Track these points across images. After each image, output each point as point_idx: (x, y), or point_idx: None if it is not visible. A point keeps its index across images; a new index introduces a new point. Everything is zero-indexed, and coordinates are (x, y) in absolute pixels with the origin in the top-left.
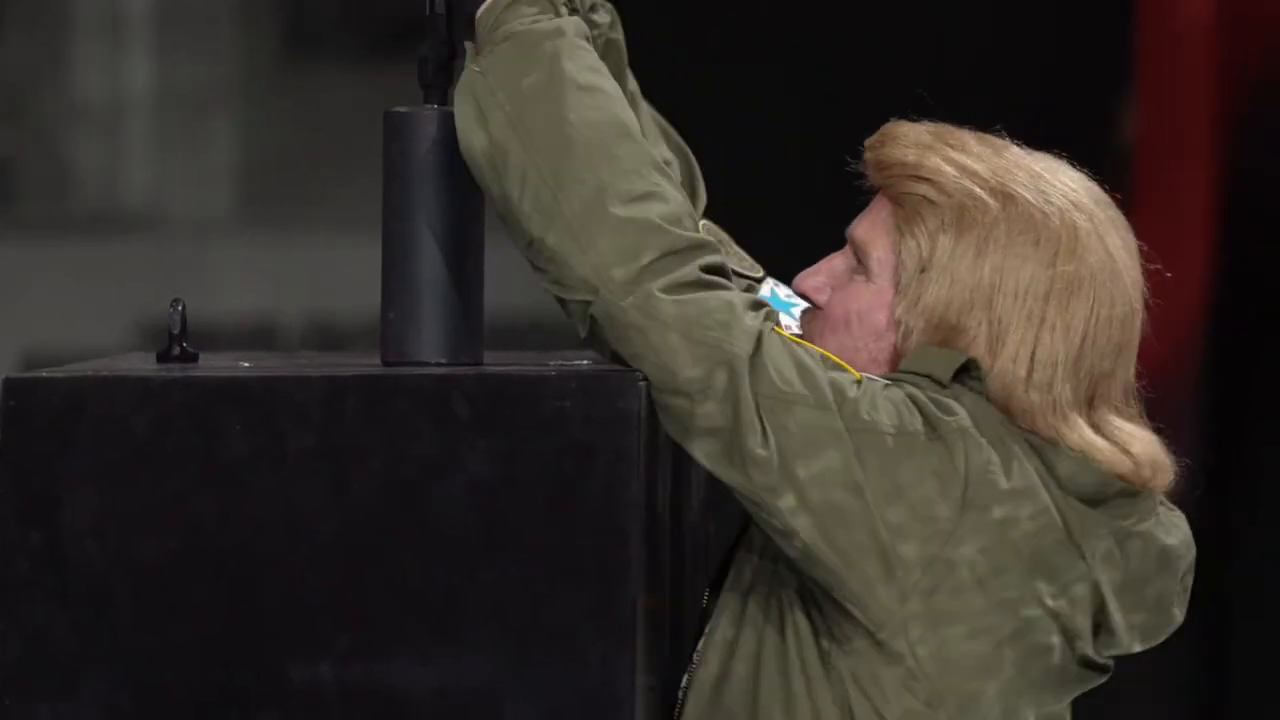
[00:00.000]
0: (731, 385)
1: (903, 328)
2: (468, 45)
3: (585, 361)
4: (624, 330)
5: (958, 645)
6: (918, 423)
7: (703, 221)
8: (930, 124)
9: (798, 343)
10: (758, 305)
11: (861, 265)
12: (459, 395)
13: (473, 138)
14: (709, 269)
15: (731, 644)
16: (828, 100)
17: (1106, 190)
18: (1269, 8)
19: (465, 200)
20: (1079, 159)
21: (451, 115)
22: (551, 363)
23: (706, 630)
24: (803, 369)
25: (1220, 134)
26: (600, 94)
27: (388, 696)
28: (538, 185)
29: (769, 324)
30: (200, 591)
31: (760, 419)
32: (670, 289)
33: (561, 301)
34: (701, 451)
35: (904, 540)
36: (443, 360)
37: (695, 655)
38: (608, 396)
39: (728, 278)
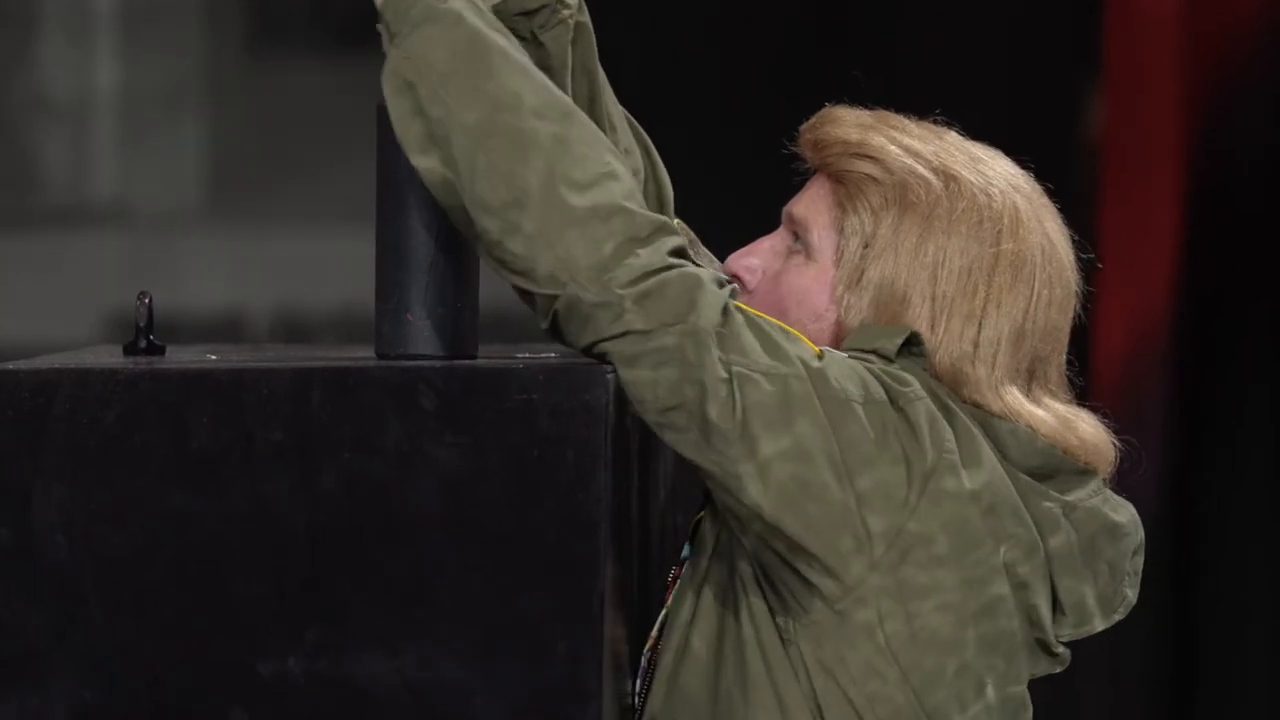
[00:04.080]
0: (696, 360)
1: (844, 304)
2: (380, 29)
3: (553, 354)
4: (587, 320)
5: (925, 619)
6: (880, 392)
7: (674, 221)
8: (867, 109)
9: (762, 316)
10: (721, 282)
11: (801, 242)
12: (425, 388)
13: (410, 127)
14: (673, 252)
15: (689, 625)
16: (793, 94)
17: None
18: None
19: None
20: (1047, 151)
21: None
22: (519, 355)
23: (668, 608)
24: (769, 340)
25: (1188, 125)
26: (530, 71)
27: (355, 690)
28: (490, 178)
29: (733, 300)
30: (168, 586)
31: (728, 390)
32: (637, 276)
33: (522, 293)
34: (667, 429)
35: (871, 512)
36: (438, 354)
37: (659, 634)
38: (574, 389)
39: (688, 257)
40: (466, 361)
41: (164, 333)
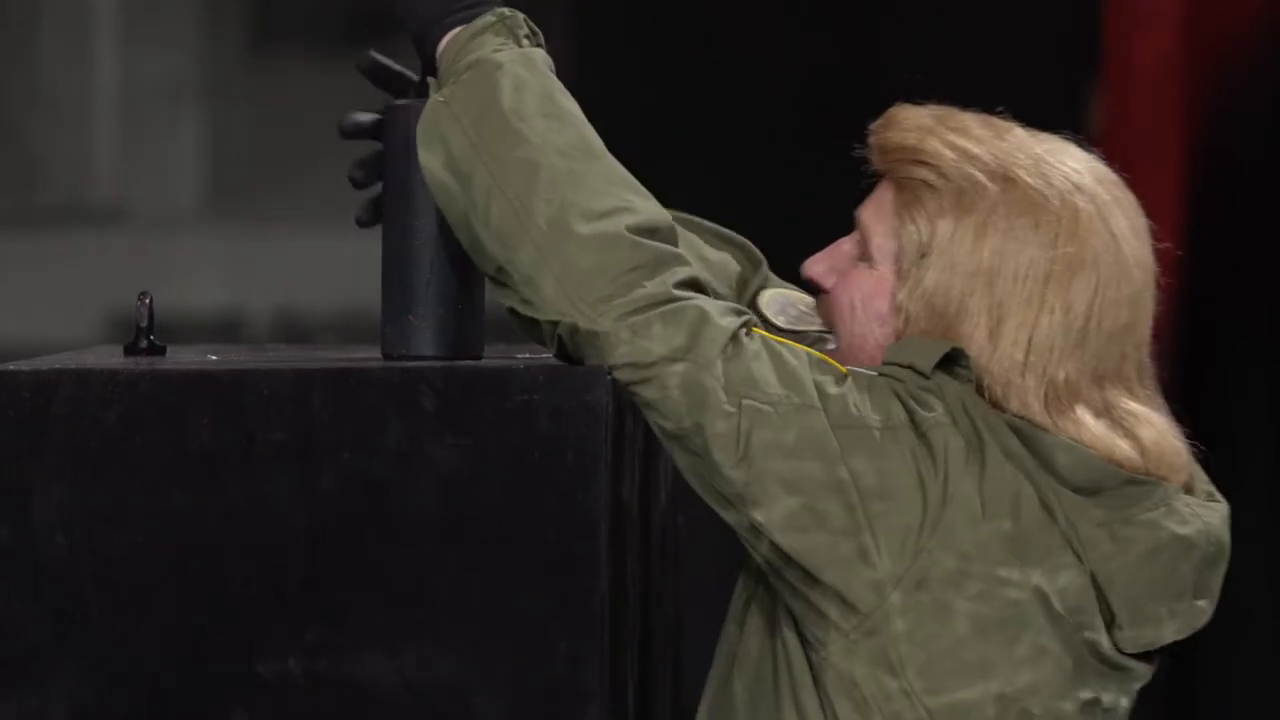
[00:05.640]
0: (696, 396)
1: (904, 313)
2: (430, 80)
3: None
4: (591, 348)
5: (941, 641)
6: (902, 415)
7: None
8: (933, 107)
9: (783, 343)
10: (736, 311)
11: (865, 250)
12: (426, 388)
13: (436, 164)
14: (681, 284)
15: (734, 651)
16: (792, 93)
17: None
18: None
19: None
20: None
21: None
22: (519, 356)
23: (722, 634)
24: (784, 369)
25: (1188, 125)
26: (566, 116)
27: (355, 690)
28: (504, 209)
29: (745, 328)
30: (168, 585)
31: (734, 424)
32: (638, 307)
33: (521, 319)
34: (677, 452)
35: (885, 539)
36: (442, 355)
37: (716, 658)
38: (575, 389)
39: (702, 290)
40: (467, 362)
41: (164, 333)
